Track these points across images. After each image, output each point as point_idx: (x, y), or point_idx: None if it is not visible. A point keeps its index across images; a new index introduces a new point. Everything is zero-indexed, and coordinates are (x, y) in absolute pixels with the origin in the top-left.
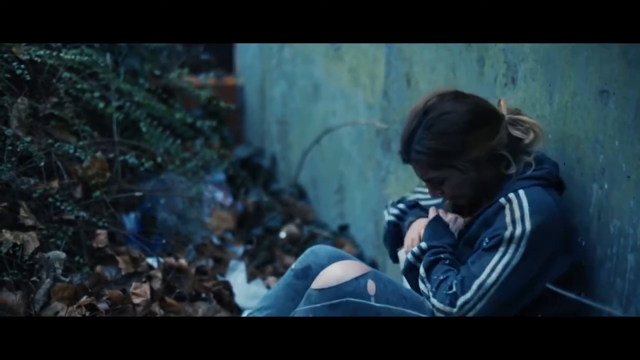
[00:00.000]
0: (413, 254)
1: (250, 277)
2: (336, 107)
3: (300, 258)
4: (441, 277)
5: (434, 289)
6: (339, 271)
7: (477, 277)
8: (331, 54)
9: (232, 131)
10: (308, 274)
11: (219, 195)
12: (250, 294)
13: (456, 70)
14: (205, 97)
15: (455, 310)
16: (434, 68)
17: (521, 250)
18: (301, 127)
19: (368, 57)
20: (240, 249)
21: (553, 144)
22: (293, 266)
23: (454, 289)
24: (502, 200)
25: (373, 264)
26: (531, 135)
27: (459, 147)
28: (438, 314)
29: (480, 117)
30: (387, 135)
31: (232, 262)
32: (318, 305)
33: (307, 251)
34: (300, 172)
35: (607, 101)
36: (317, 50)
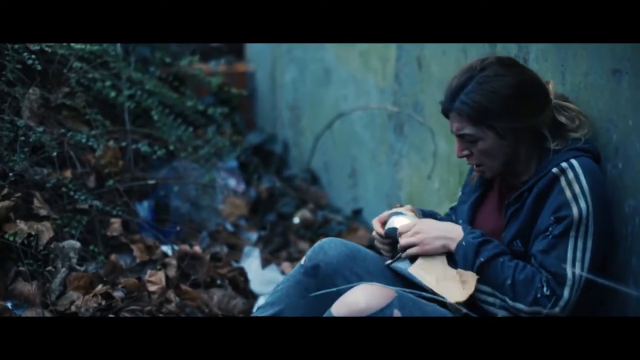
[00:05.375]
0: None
1: (265, 263)
2: (347, 91)
3: (309, 254)
4: (520, 277)
5: (512, 292)
6: (362, 302)
7: (564, 274)
8: None
9: (244, 118)
10: (317, 272)
11: (232, 182)
12: (265, 279)
13: (467, 52)
14: (216, 84)
15: (558, 310)
16: (445, 51)
17: (591, 229)
18: (313, 112)
19: None
20: (254, 235)
21: None
22: (302, 262)
23: (547, 292)
24: (555, 170)
25: None
26: (576, 123)
27: (504, 109)
28: (523, 314)
29: (532, 89)
30: (399, 119)
31: (247, 249)
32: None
33: (316, 246)
34: (312, 157)
35: (619, 80)
36: None
